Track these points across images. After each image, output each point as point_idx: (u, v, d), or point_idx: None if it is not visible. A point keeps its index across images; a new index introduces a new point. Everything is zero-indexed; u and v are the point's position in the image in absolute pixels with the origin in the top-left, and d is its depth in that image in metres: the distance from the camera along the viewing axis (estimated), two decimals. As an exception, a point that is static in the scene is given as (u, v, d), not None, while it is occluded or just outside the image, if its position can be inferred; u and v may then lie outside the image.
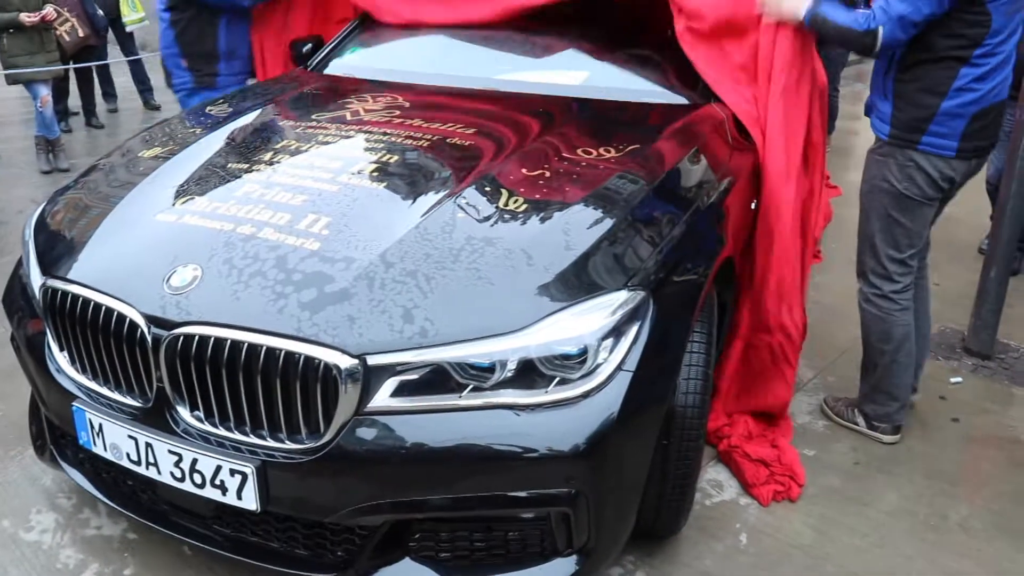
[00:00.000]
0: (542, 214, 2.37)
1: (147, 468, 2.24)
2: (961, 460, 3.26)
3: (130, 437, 2.23)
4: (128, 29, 9.42)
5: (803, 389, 3.64)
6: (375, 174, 2.54)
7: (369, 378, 2.03)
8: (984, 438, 3.40)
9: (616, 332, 2.12)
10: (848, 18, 2.86)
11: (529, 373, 2.06)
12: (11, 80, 6.72)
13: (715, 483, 3.05)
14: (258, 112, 3.16)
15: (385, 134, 2.84)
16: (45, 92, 6.78)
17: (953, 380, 3.77)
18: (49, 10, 6.77)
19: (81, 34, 7.50)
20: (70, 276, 2.36)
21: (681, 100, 3.20)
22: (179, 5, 4.07)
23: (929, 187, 2.97)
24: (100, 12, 8.18)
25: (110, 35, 8.72)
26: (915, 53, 2.87)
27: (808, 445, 3.26)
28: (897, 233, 3.07)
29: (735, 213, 2.89)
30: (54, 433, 2.67)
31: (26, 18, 6.47)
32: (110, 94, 9.06)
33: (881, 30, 2.77)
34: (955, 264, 5.07)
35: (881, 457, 3.22)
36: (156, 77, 9.60)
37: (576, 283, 2.17)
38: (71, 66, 7.74)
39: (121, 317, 2.20)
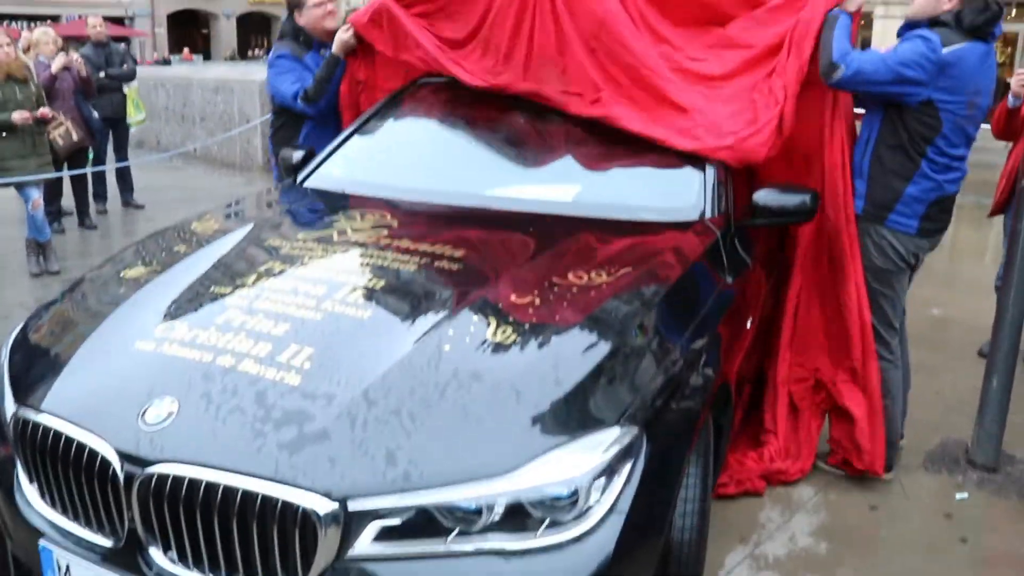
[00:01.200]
0: (531, 346, 2.30)
1: None
2: (972, 585, 3.14)
3: None
4: (132, 129, 9.56)
5: (803, 508, 3.53)
6: (360, 301, 2.48)
7: (350, 523, 1.93)
8: (996, 559, 3.28)
9: (609, 471, 2.04)
10: (836, 43, 3.23)
11: (518, 516, 1.97)
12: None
13: (715, 613, 2.93)
14: (244, 231, 3.11)
15: (372, 257, 2.79)
16: (36, 195, 6.77)
17: (959, 496, 3.66)
18: (45, 109, 6.81)
19: (75, 138, 7.55)
20: (43, 407, 2.28)
21: (674, 218, 3.16)
22: (278, 111, 4.57)
23: (899, 260, 3.51)
24: (96, 114, 8.27)
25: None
26: (884, 141, 3.40)
27: (811, 570, 3.14)
28: (883, 302, 3.58)
29: (731, 336, 2.83)
30: (20, 569, 2.54)
31: (18, 116, 6.50)
32: (101, 195, 9.11)
33: (843, 69, 3.20)
34: (954, 368, 5.00)
35: (887, 581, 3.10)
36: (139, 177, 9.74)
37: (567, 420, 2.09)
38: (64, 172, 7.77)
39: (93, 452, 2.11)
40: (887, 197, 3.42)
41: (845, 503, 3.57)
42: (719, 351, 2.66)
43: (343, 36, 4.17)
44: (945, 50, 3.20)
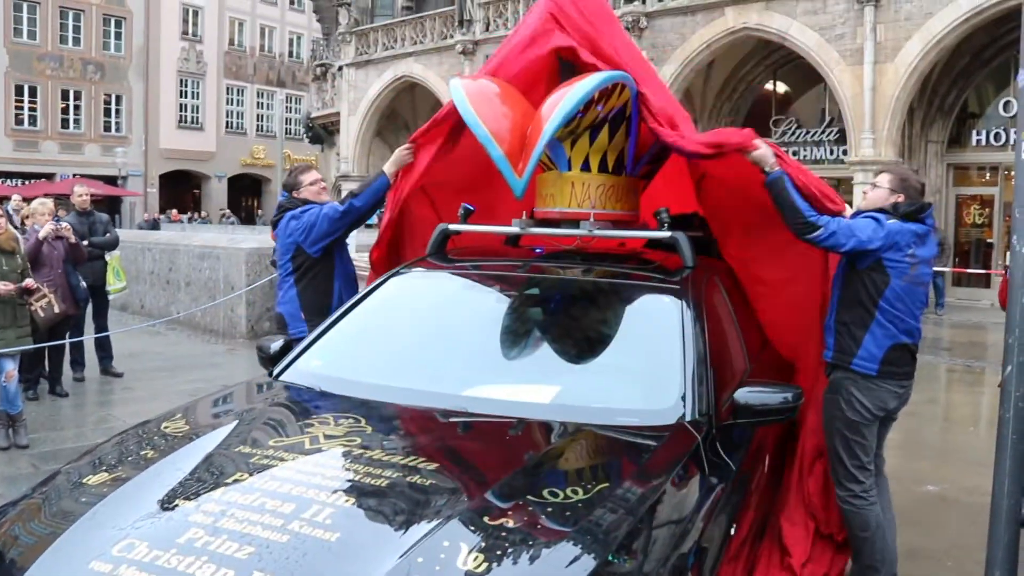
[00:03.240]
0: (504, 573, 2.19)
1: None
2: None
3: None
4: (111, 297, 9.57)
5: None
6: (328, 523, 2.37)
7: None
8: None
9: None
10: (803, 204, 3.90)
11: None
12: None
13: None
14: (215, 435, 3.03)
15: (344, 470, 2.71)
16: (11, 367, 6.69)
17: None
18: (30, 281, 6.81)
19: (57, 310, 7.53)
20: None
21: (654, 421, 3.10)
22: (302, 268, 4.88)
23: (866, 412, 4.07)
24: (83, 284, 8.30)
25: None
26: (845, 299, 4.12)
27: None
28: (855, 447, 4.11)
29: (714, 545, 2.73)
30: None
31: (2, 288, 6.50)
32: (79, 363, 9.04)
33: (823, 230, 3.88)
34: (955, 554, 4.84)
35: None
36: (120, 342, 9.69)
37: None
38: (44, 344, 7.70)
39: None
40: (850, 345, 4.07)
41: None
42: (703, 566, 2.55)
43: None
44: (888, 222, 4.00)
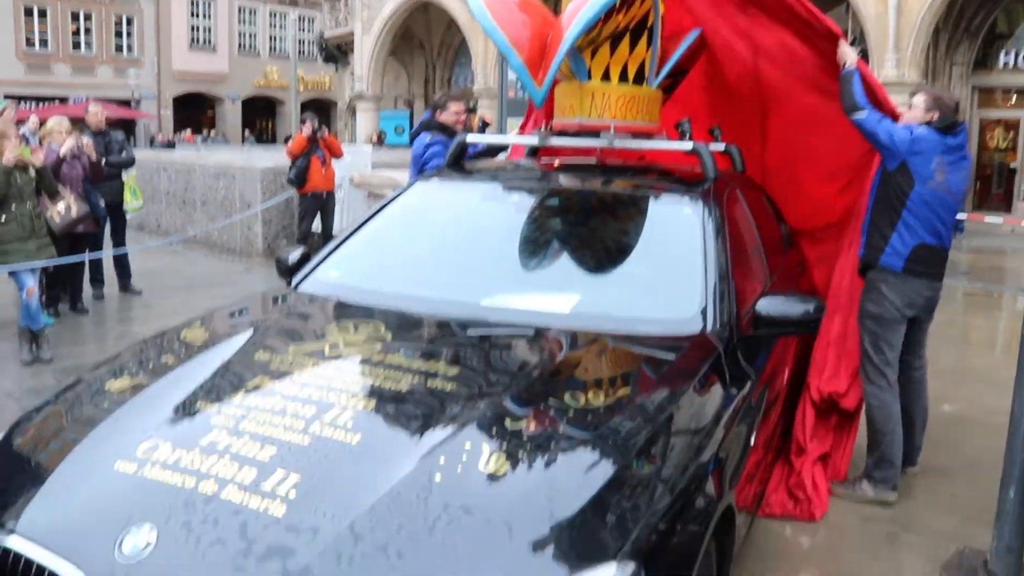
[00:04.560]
0: (525, 476, 2.22)
1: None
2: None
3: None
4: (129, 216, 9.57)
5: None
6: (349, 425, 2.39)
7: None
8: None
9: None
10: (862, 94, 4.28)
11: None
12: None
13: None
14: (234, 342, 3.03)
15: (364, 375, 2.72)
16: (31, 283, 6.72)
17: (976, 614, 3.51)
18: (33, 157, 6.83)
19: (74, 214, 7.48)
20: (16, 527, 2.18)
21: (675, 331, 3.09)
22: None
23: (893, 308, 4.36)
24: (102, 202, 8.29)
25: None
26: (878, 200, 4.40)
27: None
28: (881, 343, 4.41)
29: (734, 457, 2.73)
30: None
31: (10, 156, 6.49)
32: (99, 281, 9.08)
33: (866, 112, 4.25)
34: (970, 471, 4.84)
35: None
36: (138, 262, 9.72)
37: (561, 557, 1.99)
38: (63, 260, 7.70)
39: None
40: (879, 242, 4.37)
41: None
42: (722, 474, 2.56)
43: None
44: (918, 130, 4.28)
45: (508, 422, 2.42)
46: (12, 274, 6.75)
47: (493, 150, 5.64)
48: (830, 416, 4.64)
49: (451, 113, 6.08)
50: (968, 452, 5.14)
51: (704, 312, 3.15)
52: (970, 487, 4.61)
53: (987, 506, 4.03)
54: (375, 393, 2.59)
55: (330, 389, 2.59)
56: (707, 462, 2.50)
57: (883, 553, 3.93)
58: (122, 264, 9.40)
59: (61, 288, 8.36)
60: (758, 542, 3.94)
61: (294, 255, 3.83)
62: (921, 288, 4.36)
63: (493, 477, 2.19)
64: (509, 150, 5.58)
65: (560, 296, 3.30)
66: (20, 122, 9.02)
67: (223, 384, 2.70)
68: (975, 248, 14.69)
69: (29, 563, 2.09)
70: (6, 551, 2.14)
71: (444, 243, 3.82)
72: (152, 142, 34.92)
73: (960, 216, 17.14)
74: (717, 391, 2.87)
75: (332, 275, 3.65)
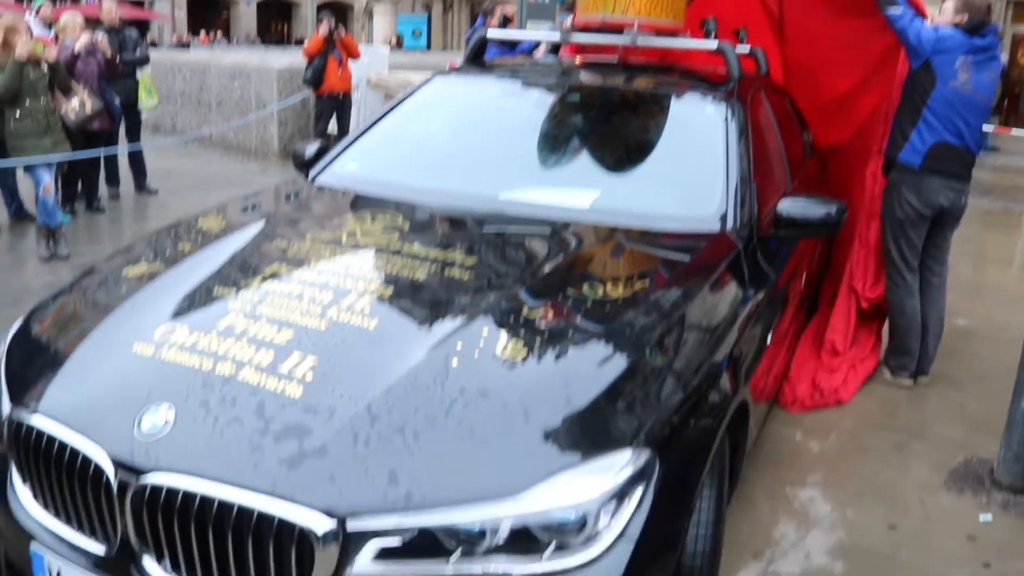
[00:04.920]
0: (542, 362, 2.21)
1: None
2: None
3: None
4: (144, 115, 9.50)
5: (820, 525, 3.42)
6: (366, 310, 2.39)
7: (349, 542, 1.86)
8: (1017, 586, 3.17)
9: (619, 495, 1.95)
10: None
11: (524, 539, 1.89)
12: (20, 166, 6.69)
13: (726, 634, 2.83)
14: (251, 230, 3.02)
15: (381, 262, 2.71)
16: (48, 180, 6.72)
17: (983, 518, 3.54)
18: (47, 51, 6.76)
19: (88, 110, 7.42)
20: (38, 408, 2.21)
21: (695, 228, 3.06)
22: None
23: (911, 209, 4.46)
24: (117, 100, 8.22)
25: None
26: (903, 99, 4.46)
27: (826, 592, 3.04)
28: (902, 242, 4.57)
29: (750, 353, 2.73)
30: (12, 570, 2.48)
31: (22, 51, 6.44)
32: (114, 180, 9.06)
33: (901, 9, 4.26)
34: (980, 383, 4.85)
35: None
36: (154, 162, 9.68)
37: (577, 441, 2.00)
38: (78, 154, 7.67)
39: (87, 459, 2.04)
40: (900, 139, 4.44)
41: (863, 521, 3.46)
42: (738, 369, 2.56)
43: None
44: (943, 29, 4.31)
45: (525, 310, 2.42)
46: (29, 170, 6.75)
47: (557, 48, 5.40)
48: (873, 320, 4.93)
49: (495, 18, 6.11)
50: (979, 365, 5.14)
51: (724, 210, 3.11)
52: (980, 398, 4.63)
53: (996, 417, 4.05)
54: (392, 280, 2.58)
55: (347, 276, 2.59)
56: (723, 357, 2.50)
57: (892, 459, 3.96)
58: (137, 164, 9.36)
59: (77, 186, 8.35)
60: (769, 445, 3.99)
61: (311, 149, 3.80)
62: (940, 187, 4.41)
63: (510, 363, 2.19)
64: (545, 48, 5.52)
65: (580, 191, 3.27)
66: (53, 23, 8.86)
67: (240, 270, 2.69)
68: (999, 167, 14.46)
69: (52, 440, 2.12)
70: (29, 429, 2.18)
71: (463, 137, 3.77)
72: (179, 43, 34.35)
73: (987, 128, 16.92)
74: (735, 288, 2.86)
75: (350, 167, 3.61)
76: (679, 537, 2.11)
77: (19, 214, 7.83)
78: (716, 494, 2.42)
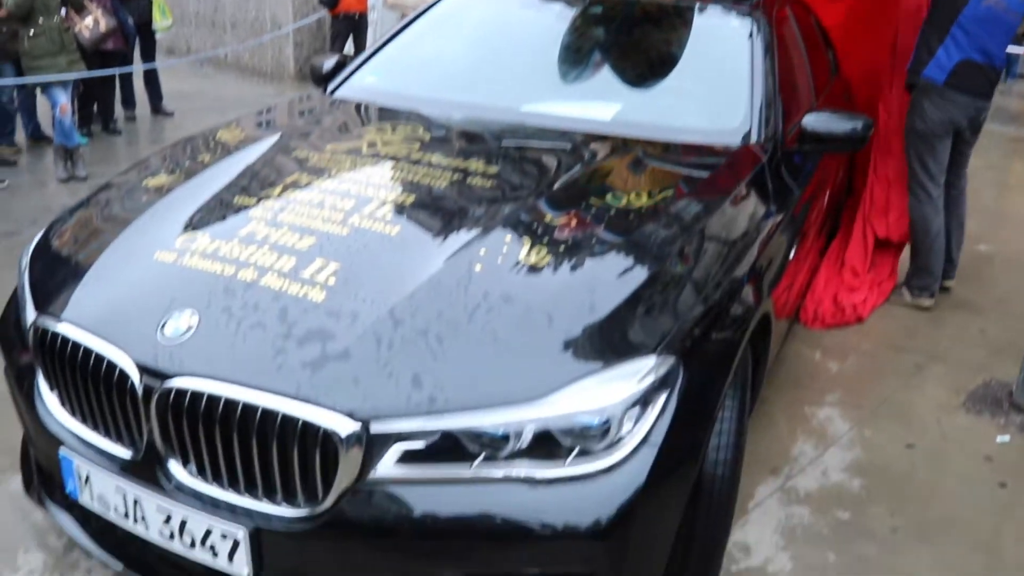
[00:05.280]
0: (566, 269, 2.19)
1: (135, 524, 2.10)
2: (1010, 532, 3.04)
3: (118, 490, 2.08)
4: (158, 36, 9.39)
5: (838, 443, 3.44)
6: (389, 217, 2.37)
7: (372, 445, 1.87)
8: (1034, 505, 3.18)
9: (643, 402, 1.95)
10: None
11: (546, 444, 1.89)
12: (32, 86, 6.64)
13: (743, 546, 2.85)
14: (271, 141, 3.00)
15: (402, 171, 2.68)
16: (64, 100, 6.68)
17: (1000, 439, 3.55)
18: None
19: (103, 28, 7.33)
20: (62, 315, 2.22)
21: (718, 141, 3.01)
22: None
23: (935, 125, 4.44)
24: (131, 20, 8.12)
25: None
26: (931, 17, 4.40)
27: (843, 507, 3.06)
28: (926, 157, 4.54)
29: (773, 266, 2.70)
30: (43, 474, 2.52)
31: None
32: (130, 102, 9.00)
33: None
34: (1001, 308, 4.83)
35: (921, 523, 3.01)
36: (169, 84, 9.60)
37: (600, 348, 1.99)
38: (93, 73, 7.61)
39: (112, 364, 2.05)
40: (926, 56, 4.40)
41: (880, 440, 3.48)
42: (760, 282, 2.54)
43: None
44: None
45: (548, 219, 2.40)
46: (45, 92, 6.71)
47: None
48: (889, 248, 4.99)
49: None
50: (1000, 290, 5.11)
51: (749, 124, 3.07)
52: (1000, 323, 4.61)
53: (1015, 341, 4.05)
54: (414, 189, 2.56)
55: (368, 184, 2.57)
56: (746, 269, 2.47)
57: (911, 381, 3.96)
58: (153, 86, 9.29)
59: (93, 108, 8.30)
60: (789, 365, 3.99)
61: (329, 63, 3.75)
62: (963, 103, 4.40)
63: (534, 268, 2.18)
64: None
65: (602, 104, 3.22)
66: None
67: (260, 180, 2.68)
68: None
69: (76, 347, 2.13)
70: (55, 336, 2.19)
71: (484, 50, 3.70)
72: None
73: (1015, 50, 16.54)
74: (759, 202, 2.82)
75: (368, 81, 3.57)
76: (701, 446, 2.11)
77: (36, 135, 7.81)
78: (738, 406, 2.42)
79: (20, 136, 7.74)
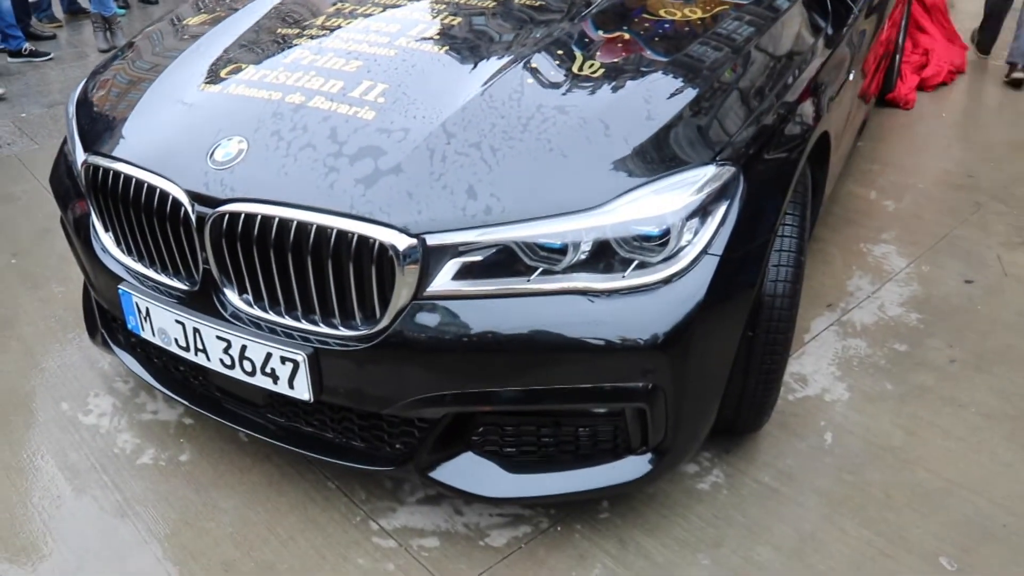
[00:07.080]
0: (620, 80, 2.12)
1: (196, 354, 2.12)
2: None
3: (177, 322, 2.11)
4: None
5: (894, 279, 3.38)
6: (436, 37, 2.31)
7: (429, 259, 1.85)
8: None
9: (702, 212, 1.91)
10: None
11: (605, 255, 1.87)
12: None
13: (799, 377, 2.85)
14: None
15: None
16: (99, -33, 6.58)
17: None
18: None
19: None
20: (112, 152, 2.22)
21: None
22: None
23: None
24: None
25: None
26: None
27: (900, 340, 3.03)
28: None
29: (831, 86, 2.60)
30: (105, 317, 2.57)
31: None
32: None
33: None
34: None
35: (979, 354, 2.97)
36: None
37: (658, 157, 1.94)
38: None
39: (164, 195, 2.05)
40: None
41: (938, 276, 3.41)
42: (821, 98, 2.45)
43: None
44: None
45: (602, 32, 2.32)
46: None
47: None
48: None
49: None
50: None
51: None
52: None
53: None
54: (461, 11, 2.49)
55: (414, 8, 2.50)
56: (806, 85, 2.38)
57: (970, 218, 3.86)
58: None
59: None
60: (843, 203, 3.91)
61: None
62: None
63: (587, 80, 2.11)
64: None
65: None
66: None
67: (302, 10, 2.62)
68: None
69: (128, 181, 2.13)
70: (106, 172, 2.19)
71: None
72: None
73: None
74: (818, 17, 2.71)
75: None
76: (762, 259, 2.07)
77: (73, 9, 7.74)
78: (798, 228, 2.37)
79: (57, 11, 7.68)
